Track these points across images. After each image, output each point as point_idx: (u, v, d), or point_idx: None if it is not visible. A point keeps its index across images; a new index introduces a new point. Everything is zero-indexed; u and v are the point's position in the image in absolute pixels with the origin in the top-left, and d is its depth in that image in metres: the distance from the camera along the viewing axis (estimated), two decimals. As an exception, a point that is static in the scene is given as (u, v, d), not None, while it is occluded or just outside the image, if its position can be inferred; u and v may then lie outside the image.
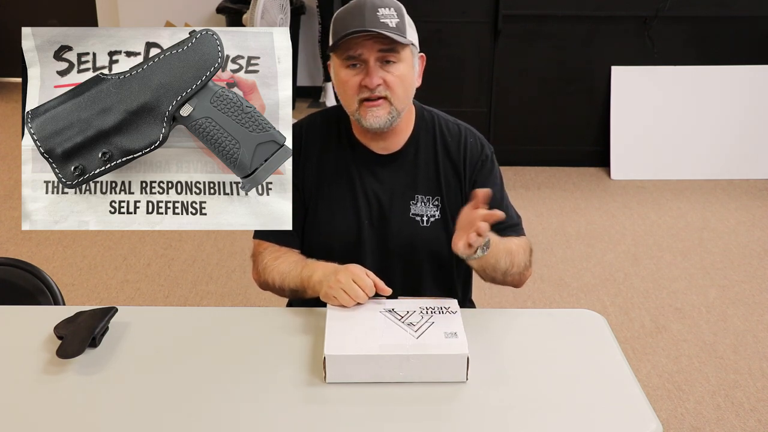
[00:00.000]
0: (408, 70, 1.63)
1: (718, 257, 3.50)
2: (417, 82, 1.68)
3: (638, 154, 4.35)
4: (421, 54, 1.69)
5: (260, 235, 1.75)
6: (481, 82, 4.35)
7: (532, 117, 4.43)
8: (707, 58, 4.33)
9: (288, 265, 1.66)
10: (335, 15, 1.64)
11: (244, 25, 4.68)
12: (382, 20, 1.57)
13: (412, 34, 1.63)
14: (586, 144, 4.47)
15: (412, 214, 1.70)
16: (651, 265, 3.43)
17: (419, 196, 1.71)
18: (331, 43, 1.62)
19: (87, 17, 5.71)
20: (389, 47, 1.58)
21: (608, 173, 4.36)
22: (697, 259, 3.48)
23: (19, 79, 6.77)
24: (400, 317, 1.46)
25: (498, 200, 1.72)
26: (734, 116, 4.35)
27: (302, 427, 1.28)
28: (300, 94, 5.53)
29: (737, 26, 4.29)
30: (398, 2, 1.63)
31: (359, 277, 1.52)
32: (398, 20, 1.59)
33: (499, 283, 1.68)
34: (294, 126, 1.77)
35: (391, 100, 1.61)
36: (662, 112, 4.36)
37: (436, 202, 1.71)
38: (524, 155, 4.46)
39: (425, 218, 1.70)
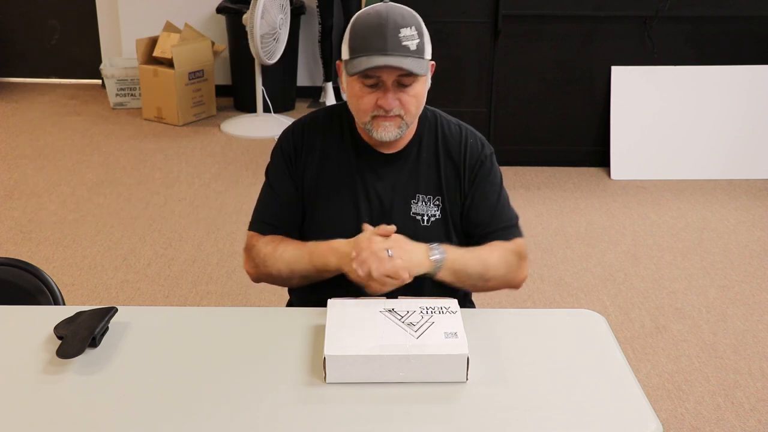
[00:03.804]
0: (422, 87, 1.64)
1: (718, 257, 3.50)
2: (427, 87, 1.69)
3: (638, 154, 4.35)
4: (432, 62, 1.68)
5: (256, 227, 1.75)
6: (481, 82, 4.35)
7: (532, 117, 4.43)
8: (707, 58, 4.33)
9: (291, 253, 1.67)
10: (354, 22, 1.62)
11: (244, 25, 4.68)
12: (403, 43, 1.56)
13: (429, 50, 1.62)
14: (586, 144, 4.47)
15: (413, 213, 1.70)
16: (651, 265, 3.43)
17: (420, 196, 1.71)
18: (347, 52, 1.61)
19: (87, 17, 5.72)
20: (408, 73, 1.58)
21: (608, 173, 4.36)
22: (697, 259, 3.48)
23: (19, 79, 6.75)
24: (400, 317, 1.46)
25: (494, 201, 1.73)
26: (734, 116, 4.35)
27: (302, 427, 1.28)
28: (300, 94, 5.53)
29: (737, 26, 4.29)
30: (417, 16, 1.62)
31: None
32: (418, 40, 1.58)
33: (484, 290, 1.73)
34: (295, 123, 1.78)
35: (403, 117, 1.62)
36: (662, 112, 4.36)
37: (437, 202, 1.71)
38: (524, 155, 4.46)
39: (426, 217, 1.71)
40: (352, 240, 1.60)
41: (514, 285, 1.74)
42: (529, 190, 4.17)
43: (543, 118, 4.43)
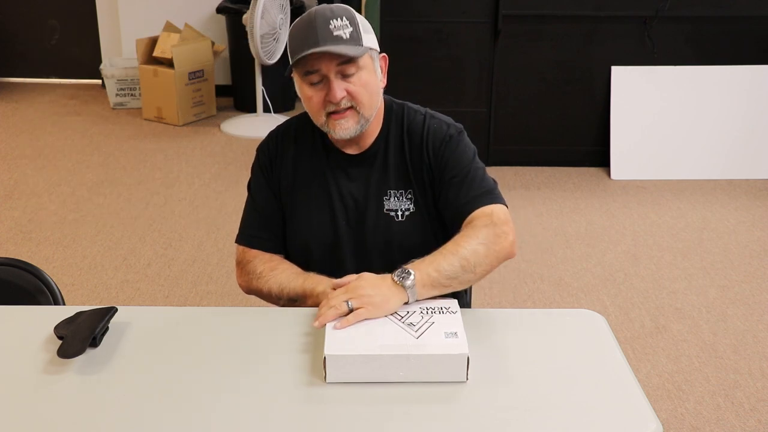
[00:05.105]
0: (370, 76, 1.63)
1: (718, 257, 3.50)
2: (382, 83, 1.69)
3: (638, 154, 4.35)
4: (383, 54, 1.70)
5: (244, 241, 1.77)
6: (481, 82, 4.35)
7: (532, 117, 4.43)
8: (707, 58, 4.33)
9: (287, 275, 1.68)
10: (290, 31, 1.65)
11: (244, 25, 4.68)
12: (335, 33, 1.57)
13: (368, 39, 1.63)
14: (586, 144, 4.47)
15: (386, 210, 1.71)
16: (651, 265, 3.43)
17: (392, 191, 1.71)
18: (290, 59, 1.63)
19: (87, 17, 5.72)
20: (346, 60, 1.59)
21: (608, 173, 4.36)
22: (697, 259, 3.48)
23: (19, 79, 6.74)
24: (400, 317, 1.46)
25: (464, 174, 1.68)
26: (734, 116, 4.35)
27: (302, 427, 1.28)
28: (300, 94, 5.53)
29: (737, 26, 4.29)
30: (349, 9, 1.63)
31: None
32: (351, 29, 1.59)
33: (481, 277, 1.58)
34: (269, 134, 1.81)
35: (357, 109, 1.62)
36: (662, 112, 4.36)
37: (410, 195, 1.71)
38: (524, 155, 4.46)
39: (400, 213, 1.71)
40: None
41: (506, 254, 1.59)
42: (529, 190, 4.17)
43: (543, 118, 4.43)
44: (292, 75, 1.68)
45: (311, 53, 1.56)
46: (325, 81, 1.61)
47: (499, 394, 1.35)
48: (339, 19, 1.58)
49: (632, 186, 4.25)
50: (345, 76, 1.60)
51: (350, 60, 1.59)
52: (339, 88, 1.59)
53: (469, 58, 4.32)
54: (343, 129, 1.63)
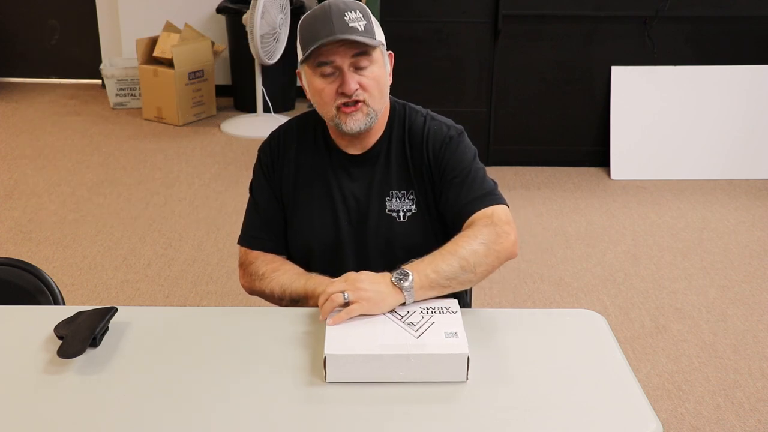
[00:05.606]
0: (381, 71, 1.64)
1: (718, 257, 3.50)
2: (389, 80, 1.69)
3: (638, 154, 4.35)
4: (390, 52, 1.70)
5: (246, 242, 1.78)
6: (481, 82, 4.35)
7: (532, 117, 4.43)
8: (707, 58, 4.33)
9: (290, 276, 1.68)
10: (301, 23, 1.64)
11: (244, 25, 4.68)
12: (350, 25, 1.57)
13: (379, 34, 1.64)
14: (586, 144, 4.47)
15: (388, 210, 1.71)
16: (651, 265, 3.43)
17: (393, 192, 1.71)
18: (300, 52, 1.62)
19: (87, 17, 5.72)
20: (362, 51, 1.59)
21: (608, 173, 4.36)
22: (697, 259, 3.48)
23: (19, 79, 6.75)
24: (400, 317, 1.46)
25: (465, 175, 1.68)
26: (734, 116, 4.35)
27: (302, 427, 1.28)
28: (300, 94, 5.53)
29: (737, 26, 4.29)
30: (362, 5, 1.63)
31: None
32: (365, 22, 1.59)
33: (482, 278, 1.58)
34: (271, 135, 1.80)
35: (368, 102, 1.62)
36: (662, 112, 4.36)
37: (411, 196, 1.71)
38: (524, 155, 4.46)
39: (401, 213, 1.71)
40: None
41: (507, 254, 1.58)
42: (529, 190, 4.17)
43: (543, 118, 4.43)
44: (297, 71, 1.67)
45: (328, 44, 1.56)
46: (337, 73, 1.60)
47: (499, 394, 1.35)
48: (354, 11, 1.59)
49: (632, 186, 4.25)
50: (358, 69, 1.60)
51: (364, 52, 1.59)
52: (352, 80, 1.59)
53: (469, 58, 4.32)
54: (354, 121, 1.62)
